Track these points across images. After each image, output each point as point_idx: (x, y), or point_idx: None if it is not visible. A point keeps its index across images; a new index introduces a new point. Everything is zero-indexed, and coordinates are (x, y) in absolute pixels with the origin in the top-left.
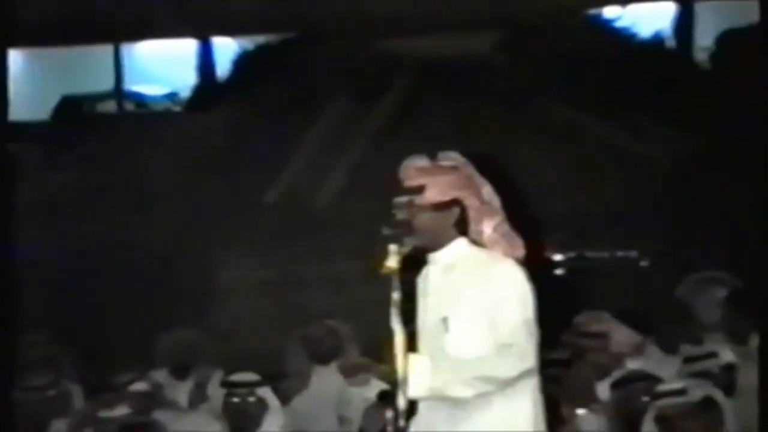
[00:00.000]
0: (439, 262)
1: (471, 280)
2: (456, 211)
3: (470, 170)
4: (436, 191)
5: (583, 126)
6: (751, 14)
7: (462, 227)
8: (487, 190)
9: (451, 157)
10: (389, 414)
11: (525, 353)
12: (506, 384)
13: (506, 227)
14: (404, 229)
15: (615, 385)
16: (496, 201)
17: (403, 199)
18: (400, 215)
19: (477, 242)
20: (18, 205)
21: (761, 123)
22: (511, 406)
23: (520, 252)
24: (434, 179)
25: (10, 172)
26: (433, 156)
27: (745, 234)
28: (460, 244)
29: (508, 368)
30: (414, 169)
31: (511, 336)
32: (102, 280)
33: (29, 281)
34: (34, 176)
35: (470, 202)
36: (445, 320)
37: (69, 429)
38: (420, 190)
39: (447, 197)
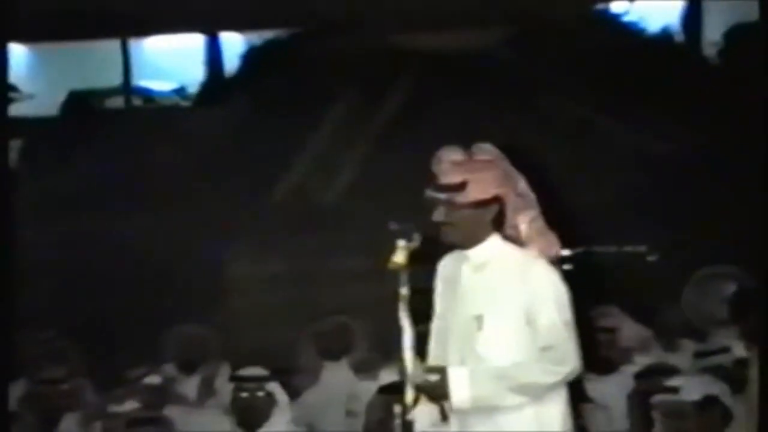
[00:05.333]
0: (471, 259)
1: (506, 280)
2: (495, 208)
3: (506, 164)
4: (478, 189)
5: (591, 121)
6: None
7: (498, 223)
8: (522, 185)
9: (486, 150)
10: (397, 409)
11: (566, 355)
12: (550, 390)
13: (541, 222)
14: (412, 224)
15: (639, 376)
16: (531, 195)
17: (442, 195)
18: (438, 213)
19: (511, 238)
20: (26, 200)
21: None
22: (543, 404)
23: (556, 249)
24: (476, 176)
25: (18, 167)
26: (467, 147)
27: (753, 229)
28: (494, 241)
29: (550, 375)
30: (450, 163)
31: (551, 337)
32: (111, 275)
33: (39, 277)
34: (42, 171)
35: (508, 198)
36: (479, 318)
37: (79, 423)
38: (461, 187)
39: (489, 195)
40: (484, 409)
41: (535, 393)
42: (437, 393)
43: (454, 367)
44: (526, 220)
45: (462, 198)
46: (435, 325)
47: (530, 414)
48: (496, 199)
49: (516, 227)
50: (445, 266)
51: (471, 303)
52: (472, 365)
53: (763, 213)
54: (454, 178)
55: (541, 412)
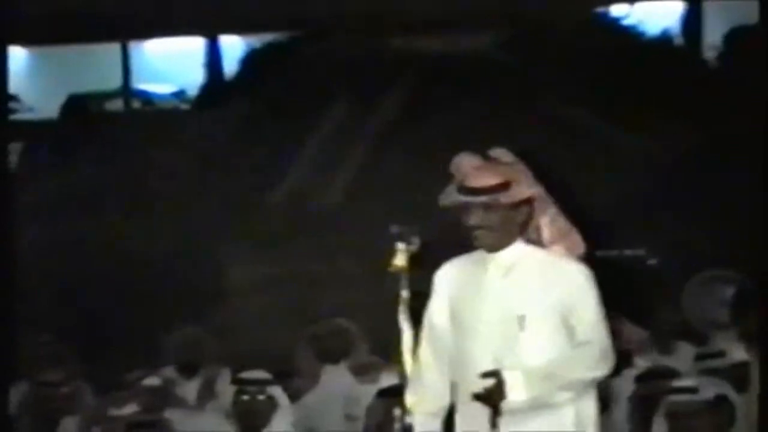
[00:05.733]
0: (498, 263)
1: (539, 280)
2: (526, 209)
3: (524, 167)
4: (520, 189)
5: (591, 124)
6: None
7: (525, 225)
8: (540, 187)
9: (503, 153)
10: (396, 412)
11: (605, 350)
12: (592, 386)
13: (562, 222)
14: (412, 227)
15: (639, 379)
16: (548, 197)
17: (481, 198)
18: (474, 217)
19: (533, 240)
20: (25, 203)
21: None
22: (582, 402)
23: (581, 249)
24: (514, 177)
25: (18, 171)
26: (476, 152)
27: (752, 232)
28: (519, 244)
29: (594, 370)
30: (475, 167)
31: (590, 334)
32: (110, 279)
33: (38, 279)
34: (42, 174)
35: (537, 199)
36: (521, 319)
37: (78, 427)
38: (504, 187)
39: (528, 195)
40: (525, 409)
41: (580, 389)
42: (494, 397)
43: (506, 370)
44: (546, 221)
45: (505, 198)
46: (437, 331)
47: (570, 413)
48: (529, 201)
49: (538, 229)
50: (453, 272)
51: (503, 305)
52: (510, 365)
53: (762, 216)
54: (490, 180)
55: (580, 410)
